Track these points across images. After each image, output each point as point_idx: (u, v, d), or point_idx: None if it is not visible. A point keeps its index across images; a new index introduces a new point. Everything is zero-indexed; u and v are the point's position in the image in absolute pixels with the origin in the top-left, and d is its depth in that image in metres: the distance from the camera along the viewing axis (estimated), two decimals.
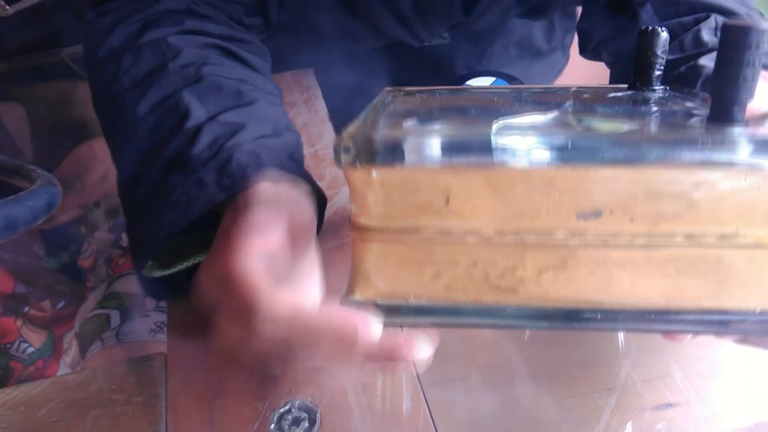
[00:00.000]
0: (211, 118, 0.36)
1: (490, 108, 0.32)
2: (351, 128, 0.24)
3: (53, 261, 0.80)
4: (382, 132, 0.24)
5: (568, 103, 0.30)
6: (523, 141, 0.23)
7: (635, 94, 0.33)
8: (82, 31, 0.44)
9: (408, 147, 0.23)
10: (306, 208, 0.31)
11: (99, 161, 0.76)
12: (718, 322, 0.25)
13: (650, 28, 0.31)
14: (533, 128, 0.25)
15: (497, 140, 0.23)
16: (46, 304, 0.79)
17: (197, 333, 0.38)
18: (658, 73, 0.32)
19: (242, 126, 0.35)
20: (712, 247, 0.24)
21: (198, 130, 0.35)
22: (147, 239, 0.34)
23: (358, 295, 0.26)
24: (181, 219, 0.33)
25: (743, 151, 0.22)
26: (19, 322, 0.76)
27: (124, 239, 0.72)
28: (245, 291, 0.25)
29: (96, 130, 0.77)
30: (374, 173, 0.24)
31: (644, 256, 0.24)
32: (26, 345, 0.75)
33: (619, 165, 0.23)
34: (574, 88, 0.34)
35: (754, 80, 0.23)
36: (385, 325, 0.25)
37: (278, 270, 0.27)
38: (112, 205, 0.75)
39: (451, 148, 0.23)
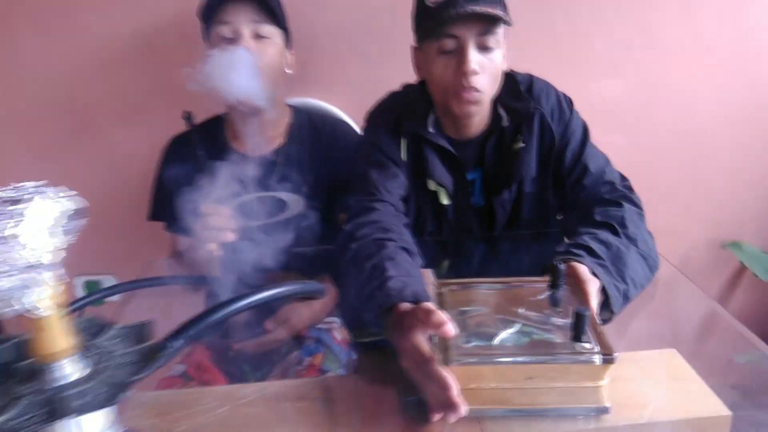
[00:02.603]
0: (398, 276, 0.84)
1: (495, 321, 0.77)
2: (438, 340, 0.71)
3: (250, 373, 1.24)
4: (451, 350, 0.70)
5: (526, 312, 0.78)
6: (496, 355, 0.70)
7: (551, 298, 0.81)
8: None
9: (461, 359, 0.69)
10: None
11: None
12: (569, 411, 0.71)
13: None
14: (502, 341, 0.72)
15: (487, 355, 0.70)
16: None
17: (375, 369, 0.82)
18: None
19: (410, 283, 0.82)
20: (560, 387, 0.70)
21: (392, 277, 0.83)
22: (367, 318, 0.83)
23: None
24: (377, 308, 0.80)
25: (576, 359, 0.68)
26: None
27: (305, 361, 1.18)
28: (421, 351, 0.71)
29: None
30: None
31: (543, 390, 0.69)
32: None
33: (537, 364, 0.69)
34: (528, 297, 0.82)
35: (587, 325, 0.71)
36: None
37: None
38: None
39: (469, 360, 0.69)
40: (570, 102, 1.19)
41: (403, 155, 1.16)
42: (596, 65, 1.61)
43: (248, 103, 1.18)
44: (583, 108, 1.21)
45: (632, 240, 0.97)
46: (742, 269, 1.83)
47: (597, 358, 0.68)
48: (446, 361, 0.69)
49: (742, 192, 1.74)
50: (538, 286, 0.84)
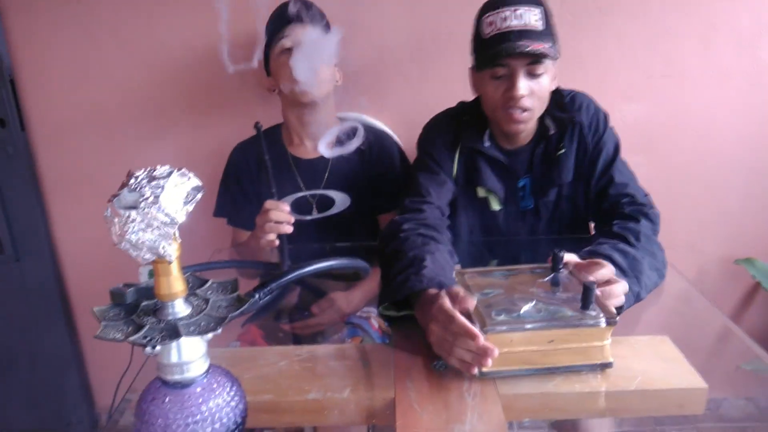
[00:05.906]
0: (433, 268, 1.00)
1: (514, 299, 0.93)
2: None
3: None
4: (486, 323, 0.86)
5: (536, 291, 0.94)
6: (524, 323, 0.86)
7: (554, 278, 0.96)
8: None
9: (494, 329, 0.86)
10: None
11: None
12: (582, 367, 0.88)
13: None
14: (525, 313, 0.88)
15: (516, 324, 0.86)
16: None
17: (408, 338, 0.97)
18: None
19: (441, 275, 0.99)
20: (574, 347, 0.86)
21: (428, 267, 0.99)
22: (398, 294, 0.99)
23: None
24: (410, 290, 0.96)
25: (587, 323, 0.85)
26: None
27: (346, 342, 1.34)
28: (446, 310, 0.86)
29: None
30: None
31: (561, 351, 0.86)
32: None
33: (557, 329, 0.85)
34: (538, 279, 0.97)
35: (593, 296, 0.87)
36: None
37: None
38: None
39: (502, 329, 0.86)
40: (606, 117, 1.33)
41: (455, 167, 1.34)
42: (620, 91, 1.75)
43: (310, 91, 1.38)
44: None
45: (645, 252, 1.12)
46: (755, 285, 1.93)
47: (602, 322, 0.85)
48: (483, 332, 0.84)
49: (755, 211, 1.85)
50: (539, 271, 0.99)
